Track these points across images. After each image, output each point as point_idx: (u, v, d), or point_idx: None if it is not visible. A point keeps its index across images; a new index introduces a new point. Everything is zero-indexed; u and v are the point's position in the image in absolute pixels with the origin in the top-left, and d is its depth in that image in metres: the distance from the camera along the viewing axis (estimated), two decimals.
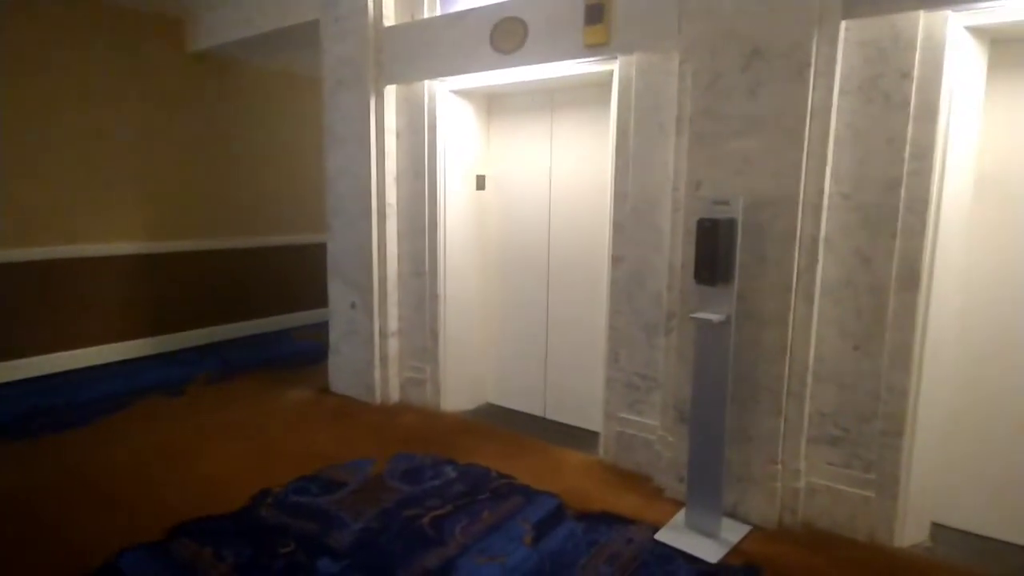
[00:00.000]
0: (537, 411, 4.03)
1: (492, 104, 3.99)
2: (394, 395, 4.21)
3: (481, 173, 4.01)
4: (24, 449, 3.40)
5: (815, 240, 2.48)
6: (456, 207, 3.92)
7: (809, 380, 2.57)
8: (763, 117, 2.50)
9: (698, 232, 2.46)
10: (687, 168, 2.73)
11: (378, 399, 4.17)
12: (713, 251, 2.43)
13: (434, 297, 3.95)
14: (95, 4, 4.86)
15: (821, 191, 2.45)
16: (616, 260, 3.14)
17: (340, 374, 4.38)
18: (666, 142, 2.89)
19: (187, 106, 5.49)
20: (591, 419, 3.63)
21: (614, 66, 3.03)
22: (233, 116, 5.83)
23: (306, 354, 5.45)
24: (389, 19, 3.86)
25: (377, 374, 4.15)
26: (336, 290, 4.32)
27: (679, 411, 2.86)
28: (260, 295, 6.25)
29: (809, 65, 2.40)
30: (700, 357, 2.57)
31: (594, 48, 3.01)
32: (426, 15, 3.73)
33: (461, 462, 3.27)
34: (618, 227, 3.11)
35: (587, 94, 3.53)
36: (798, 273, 2.51)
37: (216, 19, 5.11)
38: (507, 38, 3.27)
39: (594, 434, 3.47)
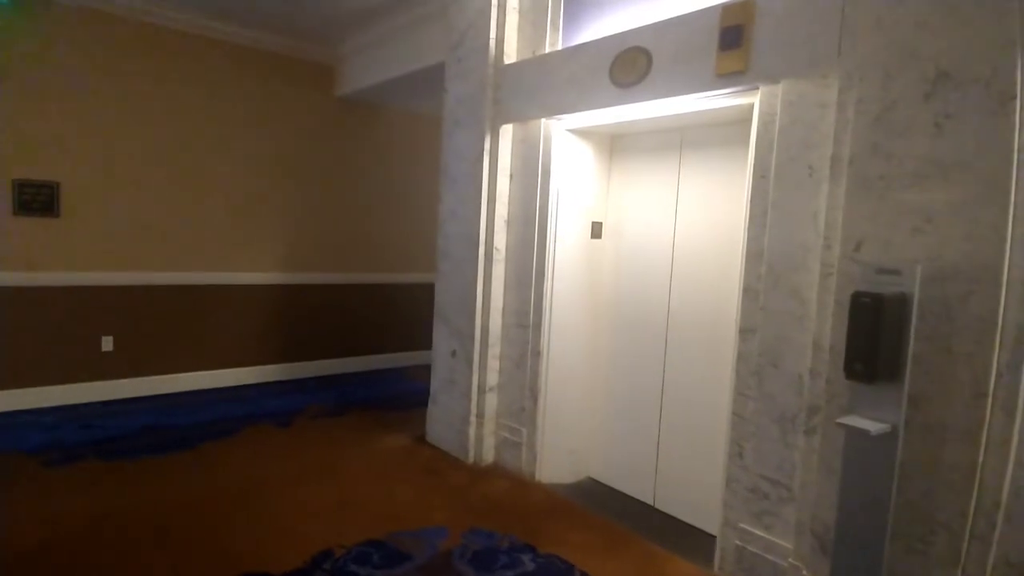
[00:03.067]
0: (646, 497, 3.45)
1: (614, 144, 3.61)
2: (488, 455, 3.86)
3: (598, 220, 3.62)
4: (116, 470, 3.50)
5: (1023, 329, 1.76)
6: (567, 256, 3.55)
7: (999, 519, 1.80)
8: (952, 160, 1.86)
9: (853, 310, 1.85)
10: (843, 222, 2.13)
11: (471, 458, 3.84)
12: (873, 336, 1.80)
13: (536, 354, 3.58)
14: (263, 53, 5.28)
15: None
16: (745, 332, 2.55)
17: (436, 425, 4.14)
18: (816, 189, 2.30)
19: (329, 145, 5.77)
20: (708, 519, 3.00)
21: (754, 98, 2.52)
22: (367, 155, 6.03)
23: (415, 395, 5.32)
24: (510, 56, 3.67)
25: (472, 431, 3.84)
26: (440, 336, 4.13)
27: (819, 538, 2.19)
28: (381, 331, 6.31)
29: (1015, 97, 1.74)
30: (850, 475, 1.92)
31: (730, 77, 2.53)
32: (547, 51, 3.48)
33: (542, 551, 2.81)
34: (749, 292, 2.54)
35: (721, 133, 3.02)
36: (997, 373, 1.79)
37: (360, 65, 5.33)
38: (628, 70, 2.89)
39: (711, 537, 2.84)
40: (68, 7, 4.39)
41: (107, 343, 4.77)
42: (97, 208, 4.64)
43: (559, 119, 3.40)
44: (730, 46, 2.49)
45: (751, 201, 2.52)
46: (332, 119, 5.77)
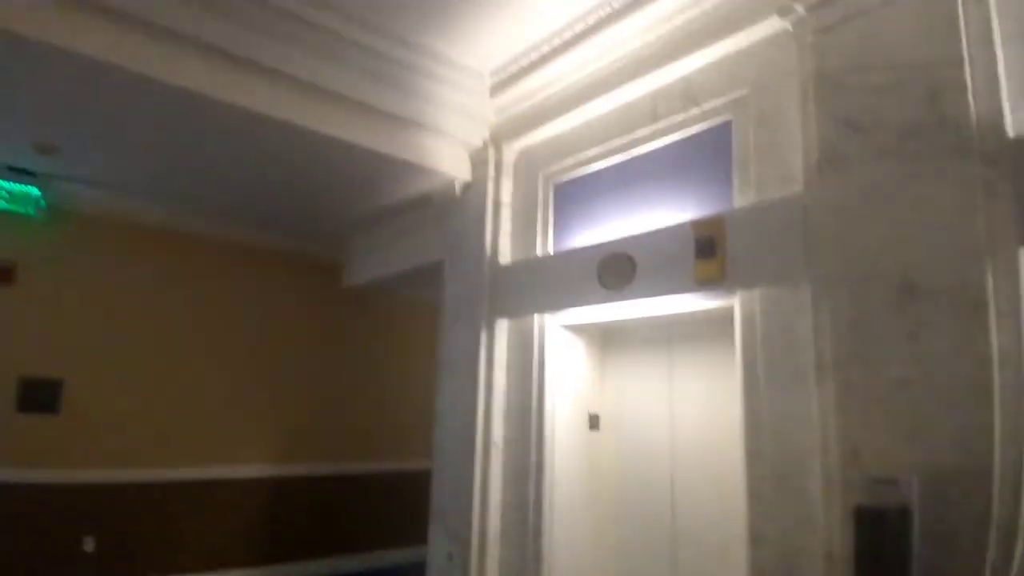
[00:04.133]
0: None
1: (606, 339, 3.73)
2: None
3: (594, 412, 3.62)
4: None
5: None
6: (565, 449, 3.49)
7: None
8: (932, 366, 1.92)
9: (857, 525, 1.79)
10: (836, 427, 2.14)
11: None
12: (877, 555, 1.72)
13: (536, 559, 3.37)
14: (272, 251, 5.67)
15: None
16: (755, 539, 2.43)
17: None
18: (806, 391, 2.33)
19: (331, 335, 5.95)
20: None
21: (733, 301, 2.67)
22: (368, 343, 6.18)
23: None
24: (505, 257, 3.93)
25: None
26: (436, 536, 3.90)
27: None
28: (381, 524, 5.97)
29: (987, 304, 1.85)
30: None
31: (708, 284, 2.70)
32: (539, 253, 3.74)
33: None
34: (754, 495, 2.46)
35: (708, 329, 3.14)
36: (992, 569, 1.68)
37: (365, 262, 5.68)
38: (615, 274, 3.09)
39: None
40: (85, 215, 4.77)
41: (88, 543, 4.51)
42: (97, 405, 4.66)
43: (553, 315, 3.56)
44: (705, 256, 2.69)
45: (745, 401, 2.55)
46: (337, 310, 6.02)
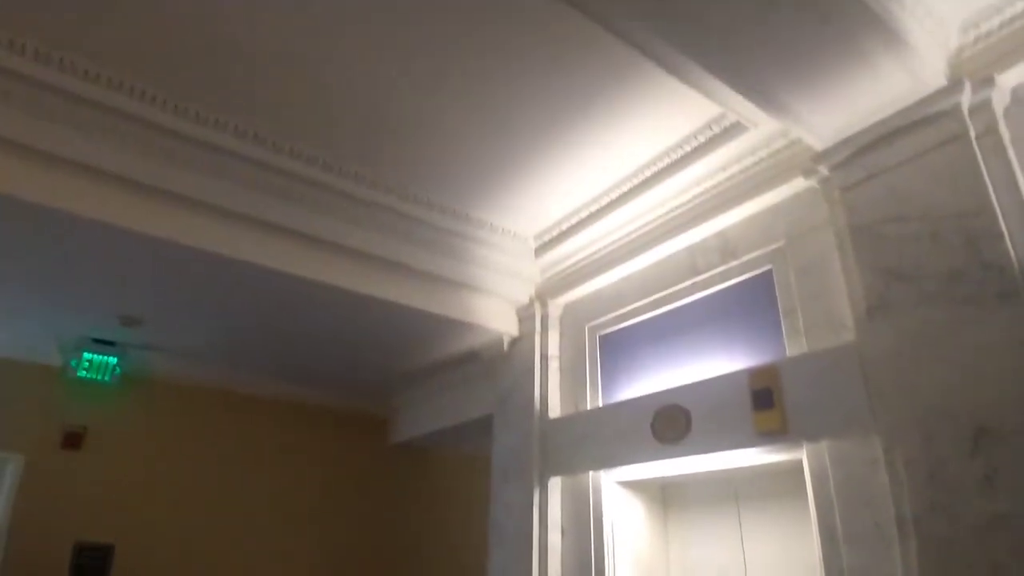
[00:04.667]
0: None
1: (667, 496, 3.55)
2: None
3: None
4: None
5: None
6: None
7: None
8: (1008, 510, 1.79)
9: None
10: None
11: None
12: None
13: None
14: (321, 408, 5.77)
15: None
16: None
17: None
18: (889, 550, 2.15)
19: (379, 491, 5.81)
20: None
21: (800, 454, 2.56)
22: (417, 500, 5.99)
23: None
24: (555, 411, 3.91)
25: None
26: None
27: None
28: None
29: None
30: None
31: (769, 435, 2.62)
32: (588, 406, 3.72)
33: None
34: None
35: (778, 485, 2.97)
36: None
37: (412, 417, 5.70)
38: (668, 427, 3.03)
39: None
40: (149, 379, 5.01)
41: None
42: (146, 570, 4.56)
43: (608, 472, 3.44)
44: (764, 406, 2.63)
45: (824, 564, 2.34)
46: (383, 466, 5.93)
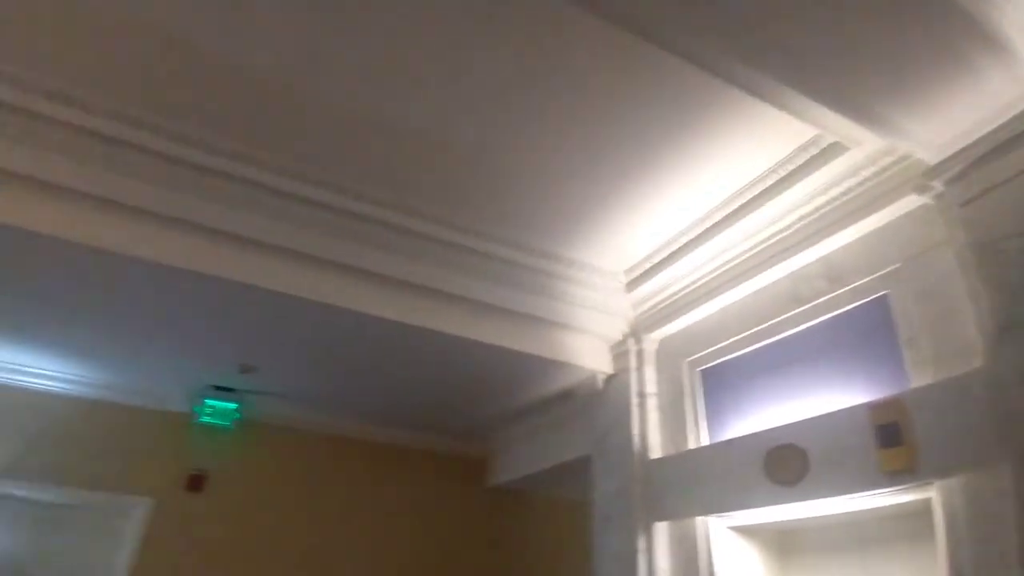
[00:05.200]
0: None
1: (783, 543, 3.29)
2: None
3: None
4: None
5: None
6: None
7: None
8: None
9: None
10: None
11: None
12: None
13: None
14: (419, 451, 5.87)
15: None
16: None
17: None
18: None
19: (478, 536, 5.78)
20: None
21: (931, 493, 2.32)
22: (517, 545, 5.89)
23: None
24: (655, 451, 3.77)
25: None
26: None
27: None
28: None
29: None
30: None
31: (897, 475, 2.38)
32: (691, 445, 3.56)
33: None
34: None
35: (905, 528, 2.69)
36: None
37: (509, 459, 5.68)
38: (783, 468, 2.83)
39: None
40: (265, 424, 5.28)
41: None
42: None
43: (718, 517, 3.25)
44: (890, 443, 2.41)
45: None
46: (482, 509, 5.91)
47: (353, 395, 4.98)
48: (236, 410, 4.77)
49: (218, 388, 4.74)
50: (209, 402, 4.71)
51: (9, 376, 4.64)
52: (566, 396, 4.71)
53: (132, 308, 3.65)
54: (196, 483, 5.01)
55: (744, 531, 3.25)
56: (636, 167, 3.07)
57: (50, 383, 4.73)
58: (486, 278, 3.69)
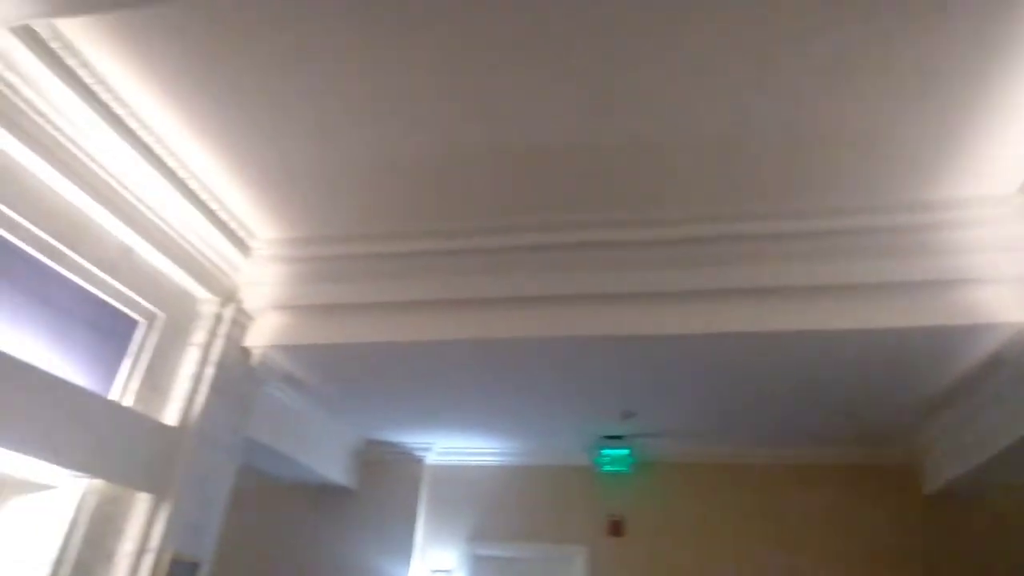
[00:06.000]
0: None
1: None
2: None
3: None
4: None
5: None
6: None
7: None
8: None
9: None
10: None
11: None
12: None
13: None
14: (829, 467, 5.37)
15: None
16: None
17: None
18: None
19: (921, 554, 4.92)
20: None
21: None
22: (975, 562, 4.80)
23: None
24: None
25: None
26: None
27: None
28: None
29: None
30: None
31: None
32: None
33: None
34: None
35: None
36: None
37: (950, 451, 4.74)
38: None
39: None
40: (660, 464, 5.50)
41: None
42: None
43: None
44: None
45: None
46: (914, 525, 5.04)
47: (738, 420, 4.91)
48: (629, 455, 5.13)
49: (609, 437, 5.20)
50: (605, 452, 5.18)
51: (459, 458, 5.90)
52: (993, 365, 3.85)
53: (524, 381, 4.37)
54: (616, 529, 5.45)
55: None
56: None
57: (486, 458, 5.87)
58: (865, 256, 3.37)
